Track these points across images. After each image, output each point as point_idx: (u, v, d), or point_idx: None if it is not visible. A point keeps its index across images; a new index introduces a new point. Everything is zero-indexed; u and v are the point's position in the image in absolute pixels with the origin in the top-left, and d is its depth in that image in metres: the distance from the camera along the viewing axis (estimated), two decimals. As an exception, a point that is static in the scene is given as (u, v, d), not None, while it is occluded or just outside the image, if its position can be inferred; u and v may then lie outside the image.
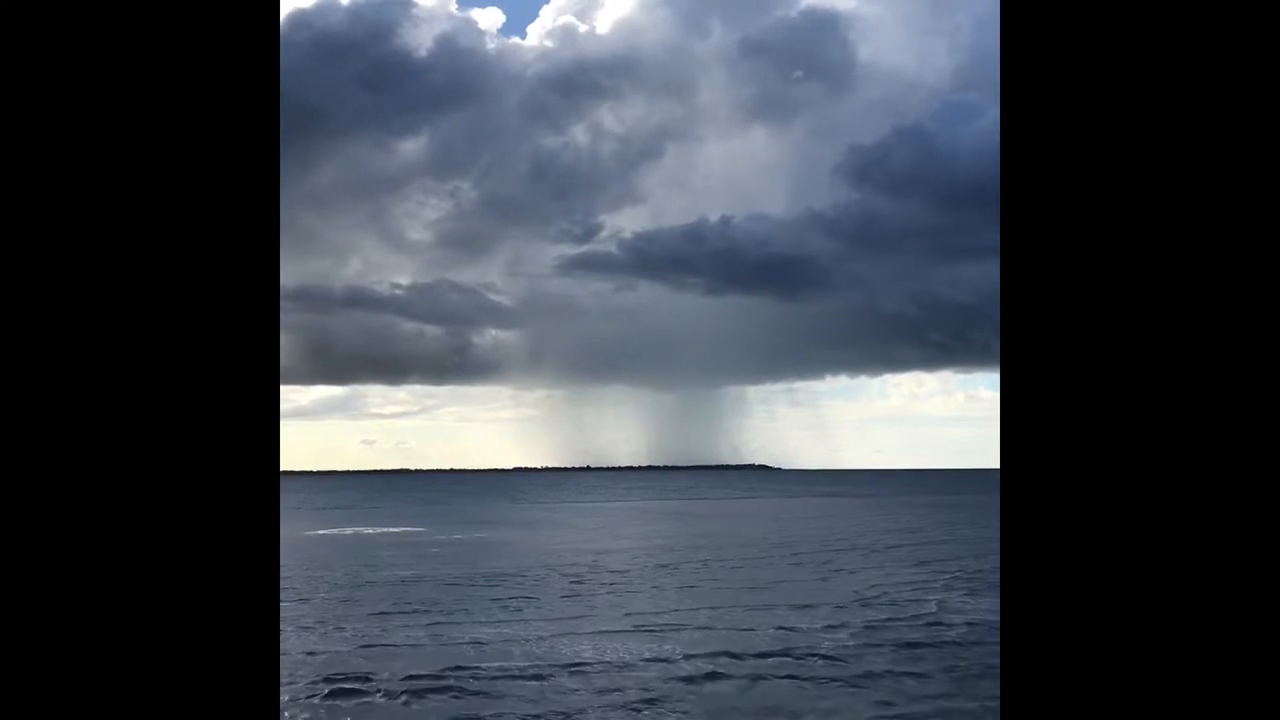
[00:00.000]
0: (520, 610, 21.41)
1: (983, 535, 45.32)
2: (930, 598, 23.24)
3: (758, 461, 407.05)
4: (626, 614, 20.83)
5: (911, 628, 19.04)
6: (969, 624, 19.40)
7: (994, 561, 32.37)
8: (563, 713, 12.81)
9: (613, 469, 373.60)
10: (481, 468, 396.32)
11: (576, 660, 15.91)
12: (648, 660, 15.91)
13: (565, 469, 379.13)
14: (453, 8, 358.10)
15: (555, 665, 15.53)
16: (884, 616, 20.40)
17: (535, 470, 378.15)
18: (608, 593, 24.64)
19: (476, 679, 14.65)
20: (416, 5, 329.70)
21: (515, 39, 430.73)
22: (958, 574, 28.52)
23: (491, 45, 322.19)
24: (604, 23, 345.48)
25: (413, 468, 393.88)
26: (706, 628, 19.04)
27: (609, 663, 15.76)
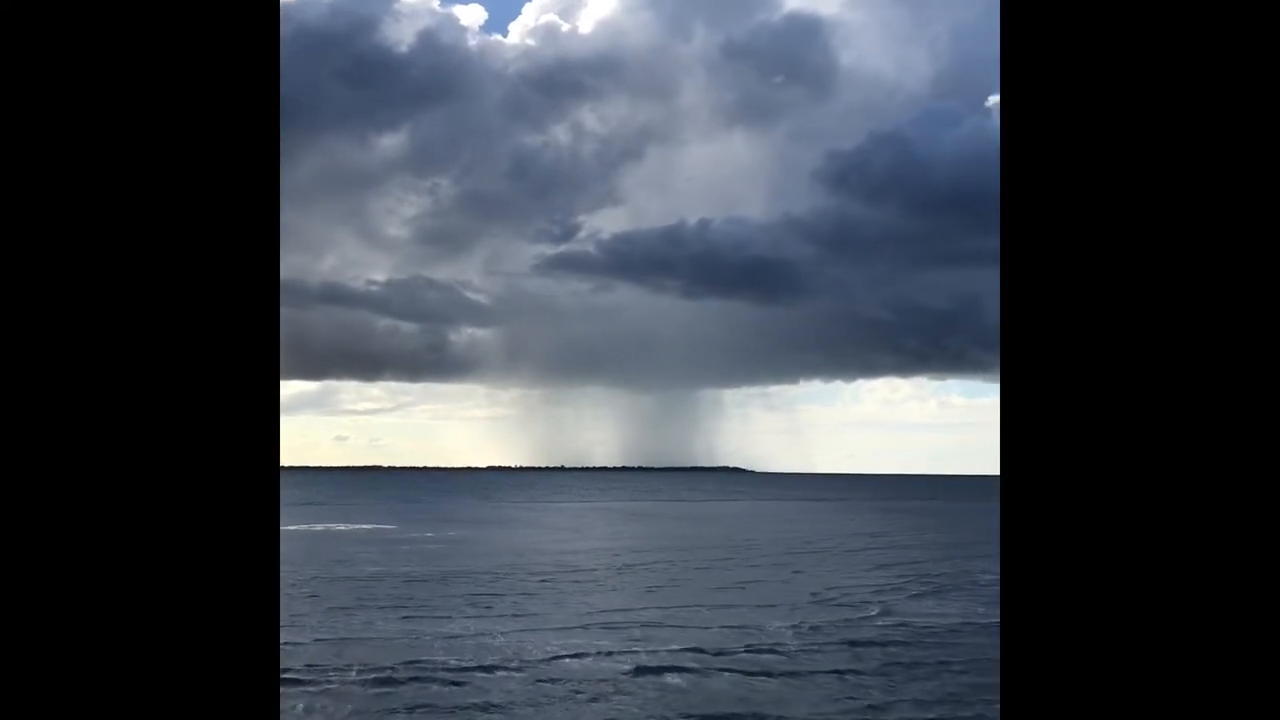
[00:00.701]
0: (489, 607, 21.77)
1: (943, 540, 46.03)
2: (882, 600, 23.78)
3: (732, 464, 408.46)
4: (586, 611, 21.23)
5: (858, 628, 19.56)
6: (917, 626, 19.94)
7: (950, 565, 33.00)
8: (512, 703, 13.18)
9: (588, 469, 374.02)
10: (455, 466, 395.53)
11: (531, 655, 16.29)
12: (599, 655, 16.31)
13: (540, 469, 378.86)
14: (435, 4, 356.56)
15: (510, 659, 15.91)
16: (835, 618, 20.90)
17: (510, 469, 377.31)
18: (572, 591, 25.03)
19: (432, 672, 14.99)
20: (399, 1, 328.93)
21: (497, 36, 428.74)
22: (912, 578, 29.09)
23: (473, 42, 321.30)
24: (586, 22, 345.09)
25: (386, 465, 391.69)
26: (664, 626, 19.46)
27: (560, 657, 16.14)
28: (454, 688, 14.06)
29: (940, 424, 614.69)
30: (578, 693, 13.86)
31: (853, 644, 17.71)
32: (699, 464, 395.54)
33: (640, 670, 15.23)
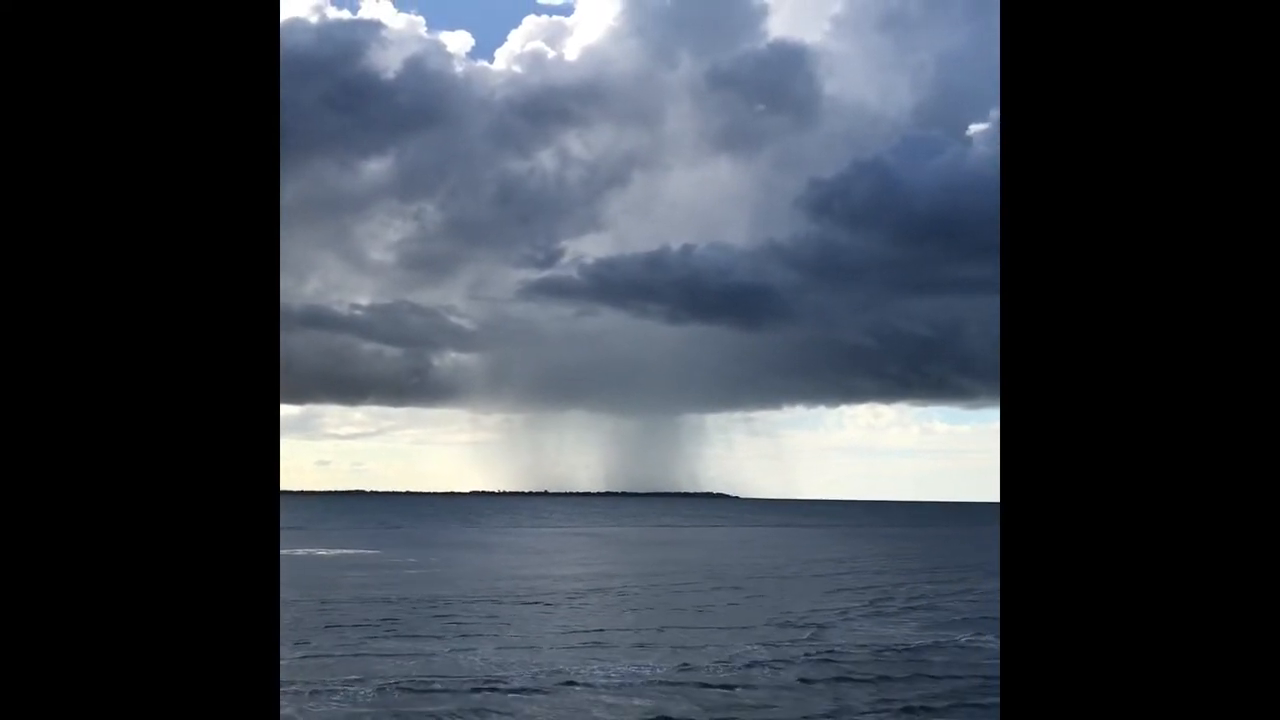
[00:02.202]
0: (465, 629, 23.24)
1: (909, 566, 47.66)
2: (825, 622, 25.44)
3: (715, 489, 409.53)
4: (555, 633, 22.76)
5: (792, 646, 21.22)
6: (846, 646, 21.57)
7: (908, 589, 34.58)
8: (485, 708, 14.72)
9: (571, 494, 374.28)
10: (438, 491, 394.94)
11: (501, 672, 17.83)
12: (549, 671, 17.86)
13: (523, 494, 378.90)
14: (422, 30, 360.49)
15: (483, 675, 17.46)
16: (778, 638, 22.49)
17: (493, 494, 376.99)
18: (541, 613, 26.54)
19: (395, 686, 16.50)
20: (386, 27, 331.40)
21: (483, 63, 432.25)
22: (865, 602, 30.70)
23: (460, 69, 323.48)
24: (573, 49, 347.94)
25: (368, 489, 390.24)
26: (612, 646, 21.03)
27: (500, 676, 17.69)
28: (423, 696, 15.57)
29: (922, 450, 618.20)
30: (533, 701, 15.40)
31: (784, 661, 19.33)
32: (682, 489, 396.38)
33: (571, 682, 16.91)
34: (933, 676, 18.01)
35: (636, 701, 15.71)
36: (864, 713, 15.20)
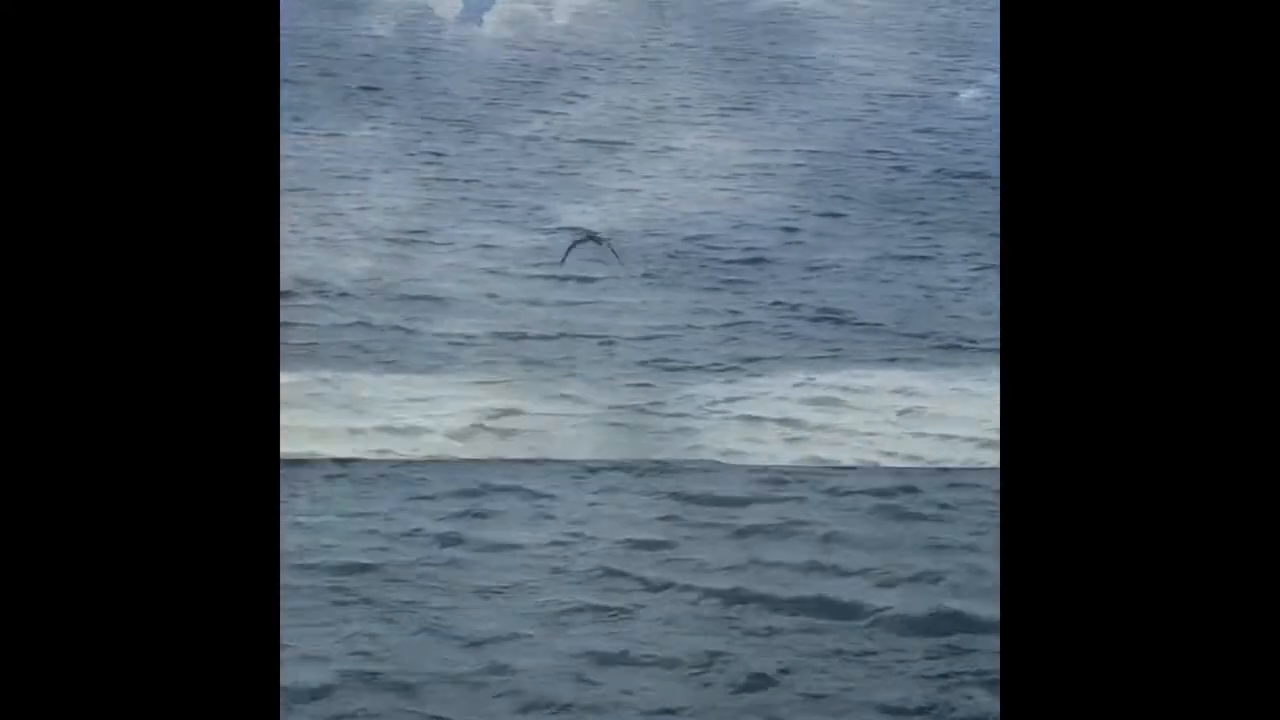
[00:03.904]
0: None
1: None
2: (809, 581, 25.07)
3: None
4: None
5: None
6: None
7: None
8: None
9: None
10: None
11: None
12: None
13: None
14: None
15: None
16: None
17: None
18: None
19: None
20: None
21: (473, 26, 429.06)
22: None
23: (449, 32, 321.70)
24: (563, 11, 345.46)
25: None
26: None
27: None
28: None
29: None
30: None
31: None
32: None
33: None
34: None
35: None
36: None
